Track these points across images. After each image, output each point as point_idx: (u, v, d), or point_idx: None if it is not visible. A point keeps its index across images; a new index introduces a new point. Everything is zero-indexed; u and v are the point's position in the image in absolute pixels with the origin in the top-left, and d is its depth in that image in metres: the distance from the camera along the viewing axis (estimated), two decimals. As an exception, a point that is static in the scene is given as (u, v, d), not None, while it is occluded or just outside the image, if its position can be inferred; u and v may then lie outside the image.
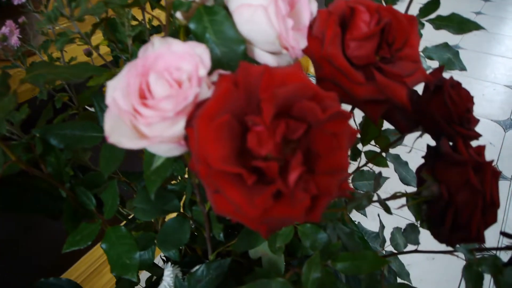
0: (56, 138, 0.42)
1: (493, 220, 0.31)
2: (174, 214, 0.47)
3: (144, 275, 0.62)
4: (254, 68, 0.24)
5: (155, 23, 0.52)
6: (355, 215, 0.63)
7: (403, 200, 0.39)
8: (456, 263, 0.43)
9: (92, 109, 0.52)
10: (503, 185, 1.60)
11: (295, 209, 0.22)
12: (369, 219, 0.68)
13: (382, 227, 0.51)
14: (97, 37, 0.51)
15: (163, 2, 0.36)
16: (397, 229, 0.52)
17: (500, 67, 2.49)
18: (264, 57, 0.32)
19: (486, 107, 2.06)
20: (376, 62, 0.31)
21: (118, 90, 0.25)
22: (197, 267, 0.46)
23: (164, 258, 0.60)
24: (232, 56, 0.30)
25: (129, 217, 0.56)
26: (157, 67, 0.26)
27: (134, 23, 0.45)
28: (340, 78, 0.30)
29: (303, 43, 0.32)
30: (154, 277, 0.59)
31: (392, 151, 0.48)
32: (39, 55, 0.53)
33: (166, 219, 0.46)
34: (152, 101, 0.25)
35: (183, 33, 0.35)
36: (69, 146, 0.42)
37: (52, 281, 0.48)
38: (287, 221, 0.24)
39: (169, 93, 0.25)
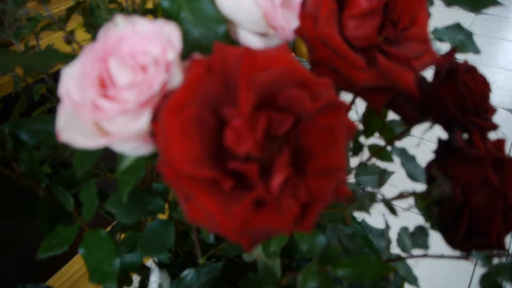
0: (27, 133, 0.38)
1: (515, 224, 0.27)
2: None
3: (137, 277, 0.59)
4: (232, 51, 0.20)
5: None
6: (358, 212, 0.59)
7: (410, 200, 0.35)
8: (465, 262, 0.39)
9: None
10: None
11: (281, 219, 0.19)
12: (373, 215, 0.64)
13: (387, 227, 0.47)
14: (77, 24, 0.47)
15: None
16: (404, 229, 0.48)
17: (510, 51, 2.41)
18: (249, 39, 0.27)
19: (497, 95, 2.00)
20: (379, 43, 0.27)
21: (72, 79, 0.21)
22: (186, 272, 0.43)
23: (156, 260, 0.56)
24: (211, 38, 0.26)
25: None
26: (119, 51, 0.22)
27: (113, 6, 0.41)
28: (337, 62, 0.26)
29: (295, 22, 0.28)
30: (146, 280, 0.56)
31: (398, 144, 0.43)
32: (15, 43, 0.49)
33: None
34: (113, 91, 0.21)
35: (160, 14, 0.31)
36: (41, 142, 0.39)
37: (30, 287, 0.44)
38: (273, 232, 0.20)
39: (131, 81, 0.21)
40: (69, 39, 0.54)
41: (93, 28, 0.45)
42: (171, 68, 0.21)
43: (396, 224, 0.48)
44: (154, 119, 0.20)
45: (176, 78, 0.21)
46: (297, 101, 0.19)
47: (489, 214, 0.27)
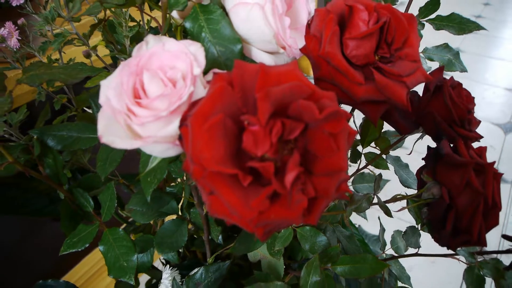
0: (53, 139, 0.42)
1: (495, 223, 0.31)
2: (173, 216, 0.47)
3: (144, 277, 0.62)
4: (250, 67, 0.24)
5: (154, 24, 0.52)
6: (355, 218, 0.63)
7: (403, 203, 0.38)
8: (457, 266, 0.42)
9: (90, 111, 0.51)
10: (504, 188, 1.59)
11: (292, 211, 0.22)
12: (369, 222, 0.68)
13: (382, 230, 0.50)
14: (98, 39, 0.51)
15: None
16: (397, 232, 0.52)
17: (500, 70, 2.48)
18: (261, 56, 0.31)
19: (486, 110, 2.05)
20: (375, 61, 0.31)
21: (111, 89, 0.24)
22: (195, 270, 0.45)
23: (164, 261, 0.59)
24: (228, 55, 0.30)
25: (129, 220, 0.55)
26: (151, 66, 0.25)
27: (132, 24, 0.45)
28: (338, 78, 0.30)
29: (301, 42, 0.31)
30: (154, 280, 0.59)
31: (392, 153, 0.47)
32: (38, 57, 0.53)
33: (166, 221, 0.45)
34: (146, 100, 0.24)
35: (179, 33, 0.35)
36: (66, 147, 0.42)
37: (50, 283, 0.47)
38: (284, 224, 0.23)
39: (163, 92, 0.24)
40: (89, 53, 0.58)
41: (112, 44, 0.49)
42: (197, 81, 0.24)
43: (390, 229, 0.52)
44: (182, 125, 0.24)
45: (200, 90, 0.25)
46: (306, 110, 0.22)
47: (472, 213, 0.30)
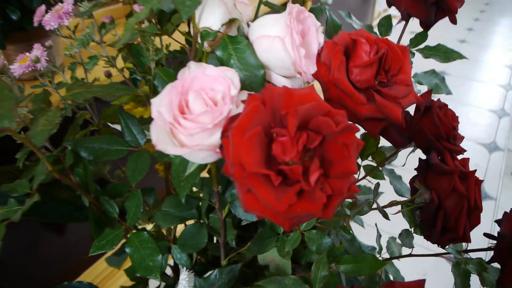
0: (85, 150, 0.47)
1: (477, 222, 0.36)
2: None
3: (152, 283, 0.65)
4: (277, 89, 0.29)
5: (172, 47, 0.57)
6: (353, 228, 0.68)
7: (398, 207, 0.43)
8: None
9: (114, 126, 0.56)
10: (489, 205, 1.67)
11: (314, 206, 0.27)
12: (364, 234, 0.73)
13: (379, 236, 0.55)
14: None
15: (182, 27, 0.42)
16: (392, 238, 0.57)
17: (484, 92, 2.59)
18: (279, 80, 0.37)
19: (471, 131, 2.14)
20: (375, 85, 0.37)
21: (163, 106, 0.30)
22: (210, 271, 0.50)
23: (172, 266, 0.63)
24: (253, 80, 0.35)
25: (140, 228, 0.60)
26: (194, 87, 0.31)
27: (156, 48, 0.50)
28: (345, 99, 0.36)
29: (313, 68, 0.37)
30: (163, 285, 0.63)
31: (387, 166, 0.53)
32: (62, 75, 0.58)
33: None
34: (192, 116, 0.29)
35: (205, 59, 0.41)
36: (97, 158, 0.47)
37: (74, 284, 0.51)
38: (307, 217, 0.29)
39: (206, 109, 0.29)
40: (109, 73, 0.63)
41: (133, 65, 0.54)
42: (234, 100, 0.30)
43: (385, 235, 0.57)
44: (223, 136, 0.29)
45: (234, 107, 0.30)
46: (325, 125, 0.28)
47: (457, 214, 0.36)
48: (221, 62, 0.36)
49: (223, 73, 0.31)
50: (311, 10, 0.57)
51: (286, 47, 0.34)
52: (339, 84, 0.35)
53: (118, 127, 0.58)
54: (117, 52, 0.51)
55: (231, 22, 0.37)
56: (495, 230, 0.40)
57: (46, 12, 0.53)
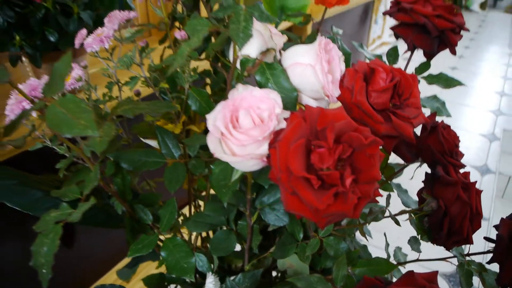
0: (126, 162, 0.52)
1: (478, 226, 0.42)
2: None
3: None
4: (314, 109, 0.35)
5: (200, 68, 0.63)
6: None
7: (407, 216, 0.49)
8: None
9: (145, 140, 0.62)
10: (482, 225, 1.72)
11: (347, 206, 0.33)
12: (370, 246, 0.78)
13: (387, 244, 0.61)
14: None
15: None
16: (398, 248, 0.62)
17: (475, 117, 2.69)
18: (309, 102, 0.43)
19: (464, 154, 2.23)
20: (390, 107, 0.43)
21: (218, 121, 0.35)
22: (235, 276, 0.55)
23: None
24: (288, 100, 0.41)
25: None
26: (243, 106, 0.36)
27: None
28: (365, 118, 0.42)
29: (337, 92, 0.43)
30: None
31: (395, 180, 0.58)
32: (94, 93, 0.63)
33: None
34: (243, 129, 0.35)
35: (240, 81, 0.46)
36: (136, 168, 0.52)
37: (107, 287, 0.55)
38: (340, 216, 0.34)
39: (257, 124, 0.35)
40: (139, 92, 0.68)
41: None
42: (278, 117, 0.35)
43: (392, 243, 0.62)
44: (271, 147, 0.34)
45: (280, 123, 0.36)
46: (356, 139, 0.33)
47: (461, 219, 0.41)
48: (259, 85, 0.42)
49: (268, 94, 0.37)
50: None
51: (317, 74, 0.40)
52: (361, 106, 0.41)
53: (148, 141, 0.63)
54: (152, 74, 0.57)
55: (268, 51, 0.43)
56: (489, 247, 0.46)
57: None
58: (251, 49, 0.43)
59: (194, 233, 0.67)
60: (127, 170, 0.52)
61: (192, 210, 0.69)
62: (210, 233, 0.70)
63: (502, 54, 4.02)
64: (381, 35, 3.43)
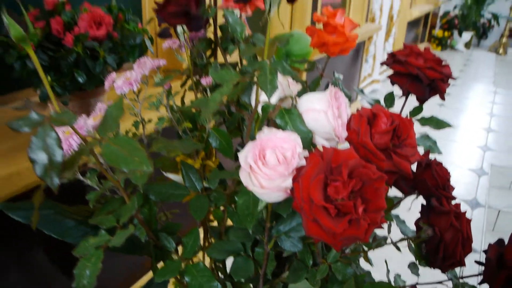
0: (154, 193, 0.58)
1: (469, 250, 0.48)
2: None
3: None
4: (328, 149, 0.42)
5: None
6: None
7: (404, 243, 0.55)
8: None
9: (167, 174, 0.68)
10: (474, 258, 1.78)
11: (359, 231, 0.39)
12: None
13: (388, 271, 0.66)
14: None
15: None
16: (398, 275, 0.68)
17: (463, 152, 2.80)
18: (321, 142, 0.49)
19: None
20: (391, 147, 0.50)
21: (249, 158, 0.42)
22: (250, 298, 0.59)
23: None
24: (304, 141, 0.48)
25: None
26: (269, 146, 0.43)
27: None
28: (370, 156, 0.48)
29: (345, 133, 0.50)
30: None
31: (393, 212, 0.65)
32: (119, 131, 0.70)
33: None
34: (271, 166, 0.41)
35: (259, 123, 0.53)
36: (162, 200, 0.58)
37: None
38: (353, 239, 0.40)
39: (282, 162, 0.42)
40: (158, 131, 0.75)
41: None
42: (299, 156, 0.42)
43: (392, 269, 0.68)
44: (294, 181, 0.41)
45: (300, 160, 0.43)
46: (365, 174, 0.40)
47: (455, 244, 0.48)
48: (279, 128, 0.48)
49: (289, 136, 0.44)
50: (328, 85, 0.71)
51: (329, 118, 0.47)
52: (366, 146, 0.48)
53: (170, 175, 0.69)
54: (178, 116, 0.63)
55: (285, 97, 0.50)
56: (480, 271, 0.52)
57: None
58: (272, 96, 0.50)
59: (208, 259, 0.72)
60: (154, 201, 0.58)
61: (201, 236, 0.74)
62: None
63: (487, 91, 4.19)
64: (371, 73, 3.58)
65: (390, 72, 0.64)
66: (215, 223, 0.73)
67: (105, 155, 0.41)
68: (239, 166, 0.70)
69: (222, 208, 0.65)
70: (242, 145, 0.70)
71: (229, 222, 0.62)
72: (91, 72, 0.79)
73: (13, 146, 0.84)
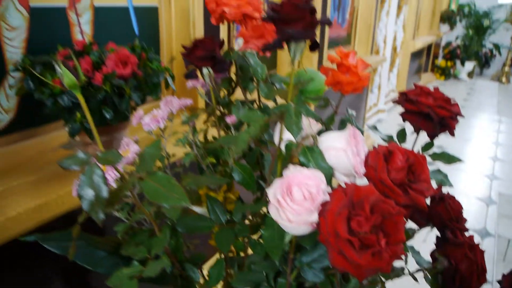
0: (181, 226, 0.61)
1: (484, 280, 0.51)
2: None
3: None
4: (350, 185, 0.45)
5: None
6: None
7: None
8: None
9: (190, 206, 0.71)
10: (485, 288, 1.77)
11: (382, 262, 0.42)
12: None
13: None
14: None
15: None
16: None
17: (471, 181, 2.81)
18: (342, 178, 0.53)
19: (462, 217, 2.31)
20: (406, 182, 0.53)
21: (277, 194, 0.45)
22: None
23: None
24: (326, 177, 0.51)
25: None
26: (295, 182, 0.47)
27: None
28: (388, 191, 0.52)
29: (363, 170, 0.54)
30: None
31: (408, 243, 0.67)
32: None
33: None
34: (298, 201, 0.45)
35: (283, 160, 0.57)
36: (189, 232, 0.61)
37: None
38: (375, 270, 0.43)
39: (308, 197, 0.45)
40: (182, 164, 0.79)
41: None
42: (323, 192, 0.46)
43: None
44: (320, 216, 0.44)
45: (325, 196, 0.46)
46: (385, 209, 0.43)
47: (470, 274, 0.50)
48: (302, 165, 0.52)
49: (313, 173, 0.47)
50: (343, 121, 0.75)
51: (349, 156, 0.51)
52: (384, 182, 0.52)
53: (194, 208, 0.72)
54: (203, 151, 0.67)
55: (307, 136, 0.54)
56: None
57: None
58: (294, 135, 0.54)
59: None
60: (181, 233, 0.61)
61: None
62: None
63: (491, 120, 4.23)
64: (377, 103, 3.64)
65: (394, 103, 0.68)
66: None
67: (146, 192, 0.44)
68: (257, 199, 0.73)
69: (243, 239, 0.68)
70: (261, 179, 0.74)
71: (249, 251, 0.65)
72: (117, 108, 0.84)
73: (40, 178, 0.89)
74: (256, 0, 0.68)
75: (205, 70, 0.66)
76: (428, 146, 0.68)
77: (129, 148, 0.69)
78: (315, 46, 0.48)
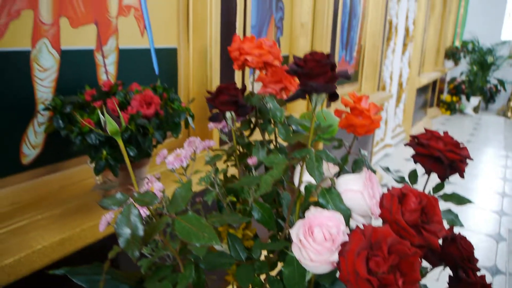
0: (203, 262, 0.64)
1: (497, 320, 0.52)
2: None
3: None
4: (368, 227, 0.49)
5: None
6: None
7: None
8: None
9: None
10: (498, 328, 1.74)
11: (399, 301, 0.44)
12: None
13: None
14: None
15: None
16: None
17: (479, 218, 2.80)
18: (358, 219, 0.56)
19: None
20: (420, 223, 0.56)
21: (300, 234, 0.49)
22: None
23: None
24: (344, 218, 0.54)
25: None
26: (316, 223, 0.50)
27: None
28: (402, 232, 0.55)
29: (378, 211, 0.57)
30: None
31: (421, 281, 0.69)
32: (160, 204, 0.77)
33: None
34: (319, 241, 0.48)
35: (303, 201, 0.61)
36: (210, 268, 0.64)
37: None
38: (393, 309, 0.46)
39: (325, 237, 0.48)
40: (201, 200, 0.82)
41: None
42: (344, 232, 0.49)
43: None
44: (340, 255, 0.47)
45: (344, 236, 0.49)
46: (402, 250, 0.46)
47: (483, 314, 0.52)
48: (321, 206, 0.56)
49: (333, 215, 0.51)
50: (356, 161, 0.79)
51: (365, 198, 0.54)
52: (399, 223, 0.55)
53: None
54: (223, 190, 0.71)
55: (326, 178, 0.58)
56: None
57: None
58: (313, 177, 0.58)
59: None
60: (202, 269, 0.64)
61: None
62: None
63: (498, 156, 4.25)
64: (384, 137, 3.68)
65: (406, 145, 0.72)
66: None
67: (178, 231, 0.48)
68: (273, 235, 0.76)
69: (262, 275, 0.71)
70: (278, 216, 0.77)
71: None
72: (140, 146, 0.88)
73: (64, 212, 0.92)
74: (276, 50, 0.73)
75: (228, 114, 0.70)
76: (439, 187, 0.71)
77: (153, 186, 0.73)
78: (334, 97, 0.52)
